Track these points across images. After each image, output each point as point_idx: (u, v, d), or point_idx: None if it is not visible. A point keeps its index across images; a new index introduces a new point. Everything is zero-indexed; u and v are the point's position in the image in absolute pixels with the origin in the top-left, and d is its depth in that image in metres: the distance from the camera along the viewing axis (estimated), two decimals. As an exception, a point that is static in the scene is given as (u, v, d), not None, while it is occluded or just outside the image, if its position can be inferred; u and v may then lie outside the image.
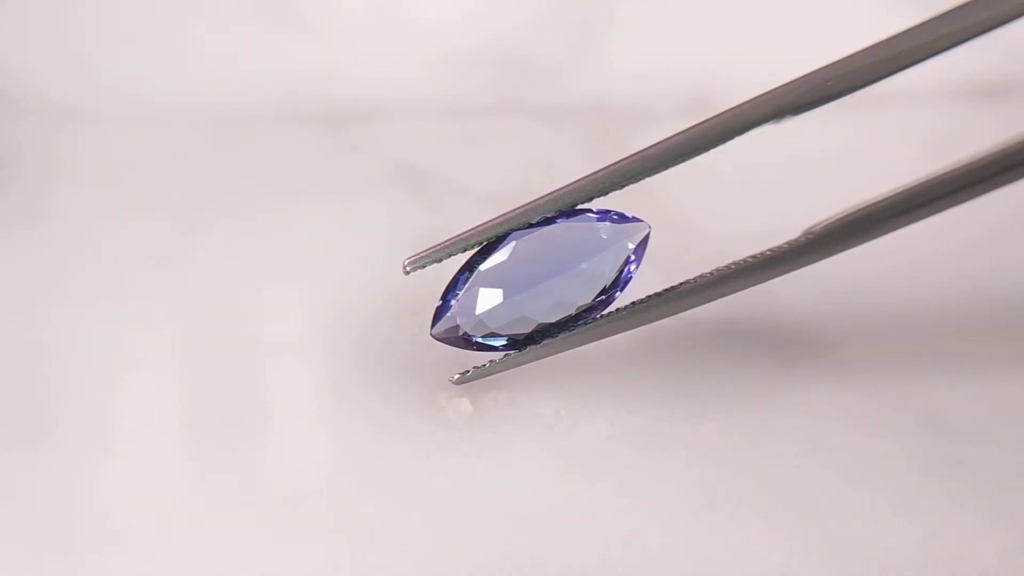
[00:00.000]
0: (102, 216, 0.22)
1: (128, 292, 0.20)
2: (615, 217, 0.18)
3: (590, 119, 0.25)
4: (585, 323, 0.18)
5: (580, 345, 0.18)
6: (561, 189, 0.18)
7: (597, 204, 0.19)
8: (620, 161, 0.19)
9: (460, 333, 0.18)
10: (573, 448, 0.17)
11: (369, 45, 0.27)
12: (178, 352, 0.19)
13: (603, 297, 0.18)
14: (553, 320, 0.18)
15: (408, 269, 0.18)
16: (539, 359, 0.18)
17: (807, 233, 0.18)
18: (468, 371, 0.18)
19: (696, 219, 0.22)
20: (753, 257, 0.18)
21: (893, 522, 0.16)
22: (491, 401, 0.18)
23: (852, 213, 0.18)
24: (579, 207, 0.18)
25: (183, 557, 0.16)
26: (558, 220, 0.18)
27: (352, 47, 0.27)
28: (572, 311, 0.18)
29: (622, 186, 0.19)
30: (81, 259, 0.21)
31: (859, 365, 0.19)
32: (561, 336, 0.18)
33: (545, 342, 0.18)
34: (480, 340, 0.18)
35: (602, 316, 0.18)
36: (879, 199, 0.18)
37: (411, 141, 0.24)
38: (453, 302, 0.18)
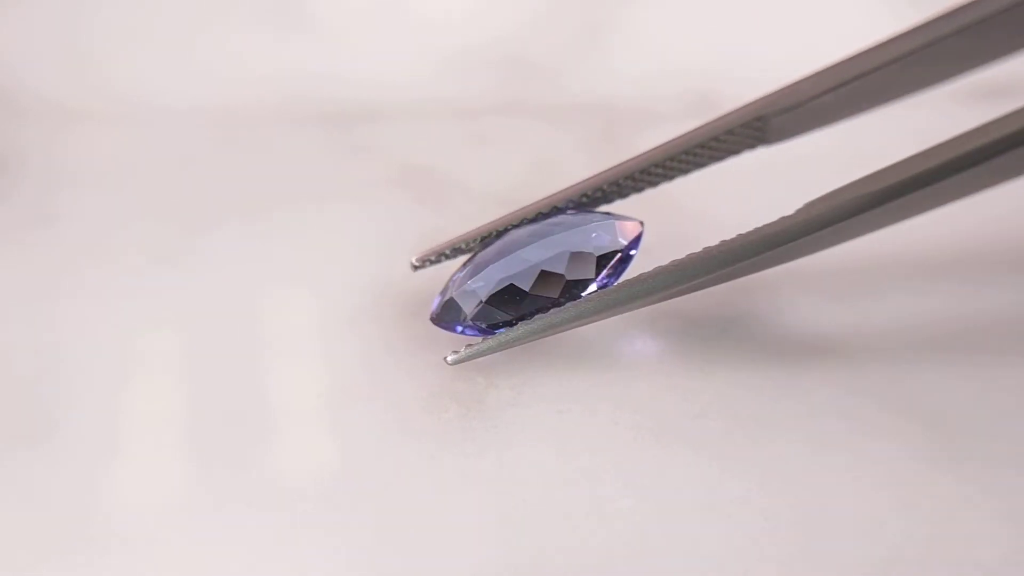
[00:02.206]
0: (107, 218, 0.22)
1: (132, 293, 0.20)
2: (611, 215, 0.19)
3: (593, 119, 0.25)
4: (575, 301, 0.18)
5: (571, 325, 0.18)
6: (564, 190, 0.19)
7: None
8: (619, 165, 0.19)
9: (459, 316, 0.18)
10: (576, 448, 0.17)
11: (373, 46, 0.27)
12: (182, 353, 0.19)
13: (593, 278, 0.18)
14: (542, 293, 0.18)
15: (416, 265, 0.19)
16: (532, 338, 0.18)
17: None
18: (460, 351, 0.18)
19: (700, 219, 0.22)
20: (744, 235, 0.18)
21: (896, 522, 0.16)
22: (494, 403, 0.18)
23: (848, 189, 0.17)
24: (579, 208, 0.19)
25: (187, 558, 0.16)
26: (557, 216, 0.19)
27: (356, 48, 0.27)
28: (560, 285, 0.18)
29: (622, 191, 0.19)
30: (86, 261, 0.21)
31: (861, 365, 0.19)
32: (552, 312, 0.18)
33: (536, 318, 0.18)
34: (476, 323, 0.18)
35: (592, 293, 0.18)
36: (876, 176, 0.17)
37: (415, 142, 0.24)
38: (450, 285, 0.18)
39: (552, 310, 0.18)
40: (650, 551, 0.16)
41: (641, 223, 0.19)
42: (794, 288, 0.20)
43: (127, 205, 0.22)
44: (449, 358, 0.18)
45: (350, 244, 0.21)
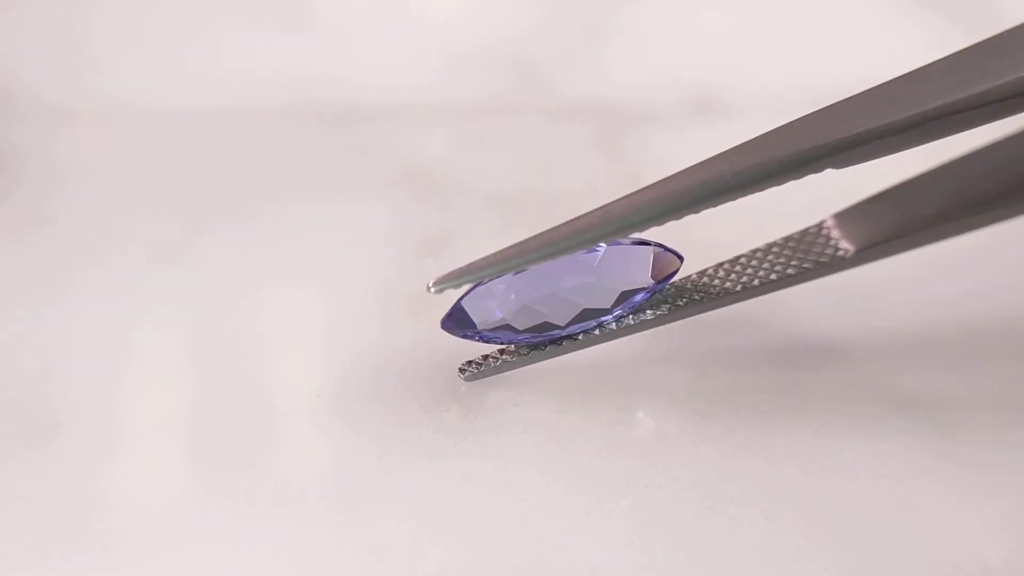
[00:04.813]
0: (108, 218, 0.22)
1: (133, 292, 0.20)
2: (653, 246, 0.18)
3: (594, 120, 0.25)
4: (587, 333, 0.18)
5: (577, 349, 0.18)
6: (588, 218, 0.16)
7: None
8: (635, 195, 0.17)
9: (471, 328, 0.18)
10: (576, 449, 0.17)
11: (375, 47, 0.27)
12: (182, 352, 0.19)
13: (608, 309, 0.18)
14: (560, 321, 0.18)
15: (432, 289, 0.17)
16: (543, 360, 0.18)
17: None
18: (472, 363, 0.18)
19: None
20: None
21: (897, 524, 0.16)
22: (495, 402, 0.18)
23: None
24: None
25: (187, 556, 0.16)
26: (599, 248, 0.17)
27: (358, 49, 0.27)
28: (577, 311, 0.17)
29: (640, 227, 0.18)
30: (87, 260, 0.21)
31: (863, 367, 0.19)
32: (566, 343, 0.18)
33: (549, 349, 0.18)
34: (488, 332, 0.18)
35: (605, 326, 0.18)
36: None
37: (416, 142, 0.24)
38: (466, 298, 0.18)
39: (565, 342, 0.18)
40: (650, 551, 0.16)
41: (681, 259, 0.18)
42: (794, 288, 0.20)
43: (128, 205, 0.22)
44: (463, 373, 0.18)
45: (350, 244, 0.21)
